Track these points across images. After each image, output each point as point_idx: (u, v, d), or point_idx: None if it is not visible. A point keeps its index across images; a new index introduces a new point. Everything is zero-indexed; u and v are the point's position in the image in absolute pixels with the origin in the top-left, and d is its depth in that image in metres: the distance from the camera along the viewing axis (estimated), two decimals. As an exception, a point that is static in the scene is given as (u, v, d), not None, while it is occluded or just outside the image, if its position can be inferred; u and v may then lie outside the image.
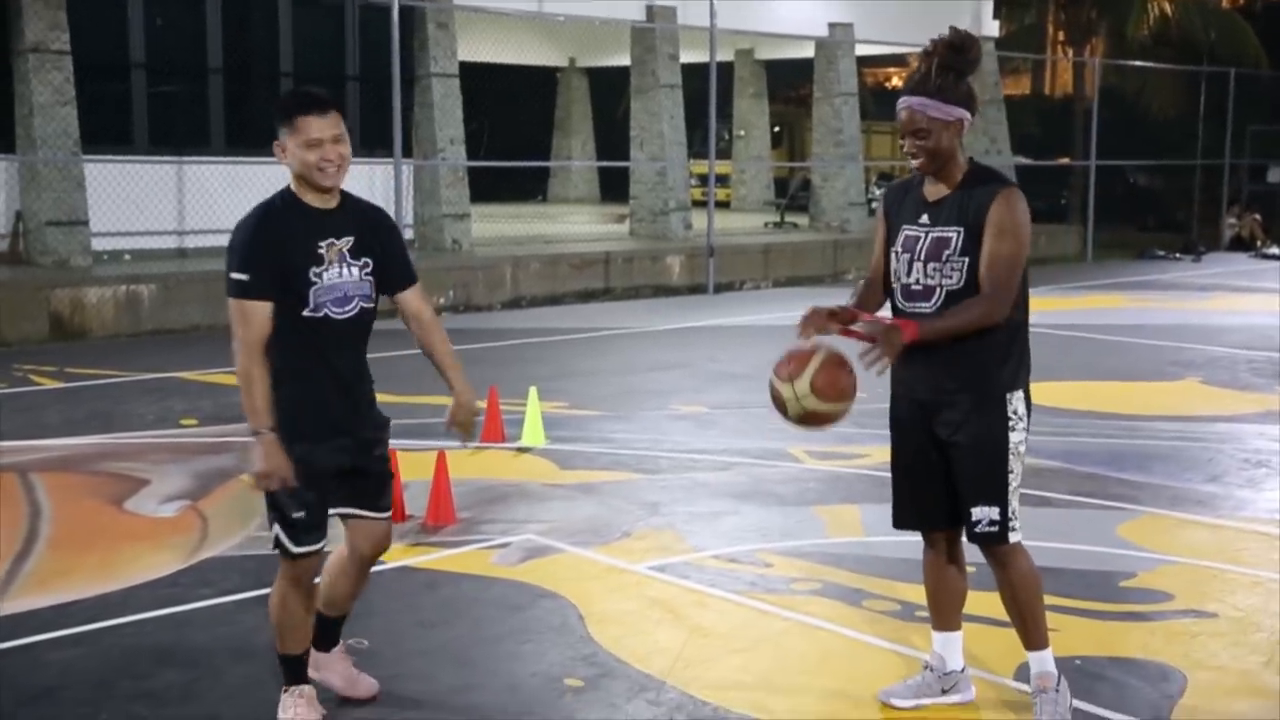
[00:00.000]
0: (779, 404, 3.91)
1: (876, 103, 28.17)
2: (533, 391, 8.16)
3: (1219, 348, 12.37)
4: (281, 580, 4.02)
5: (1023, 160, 24.94)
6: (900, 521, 4.29)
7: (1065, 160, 25.32)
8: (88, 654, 4.74)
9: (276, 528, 3.94)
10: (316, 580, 4.11)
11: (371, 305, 4.00)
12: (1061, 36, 28.45)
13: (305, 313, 3.83)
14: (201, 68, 15.16)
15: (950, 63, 3.90)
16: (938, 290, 3.96)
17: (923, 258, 3.98)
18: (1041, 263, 21.88)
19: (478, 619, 5.10)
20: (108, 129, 14.11)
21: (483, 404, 4.87)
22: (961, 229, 3.92)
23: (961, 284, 3.92)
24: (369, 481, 4.06)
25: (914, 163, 3.99)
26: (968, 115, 3.91)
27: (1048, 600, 5.26)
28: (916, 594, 5.11)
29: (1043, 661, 4.12)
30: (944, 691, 4.27)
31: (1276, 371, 11.03)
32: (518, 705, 4.33)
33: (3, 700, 4.36)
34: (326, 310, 3.87)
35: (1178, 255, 22.98)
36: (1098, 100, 23.84)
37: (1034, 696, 4.09)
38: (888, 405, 4.25)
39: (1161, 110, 27.08)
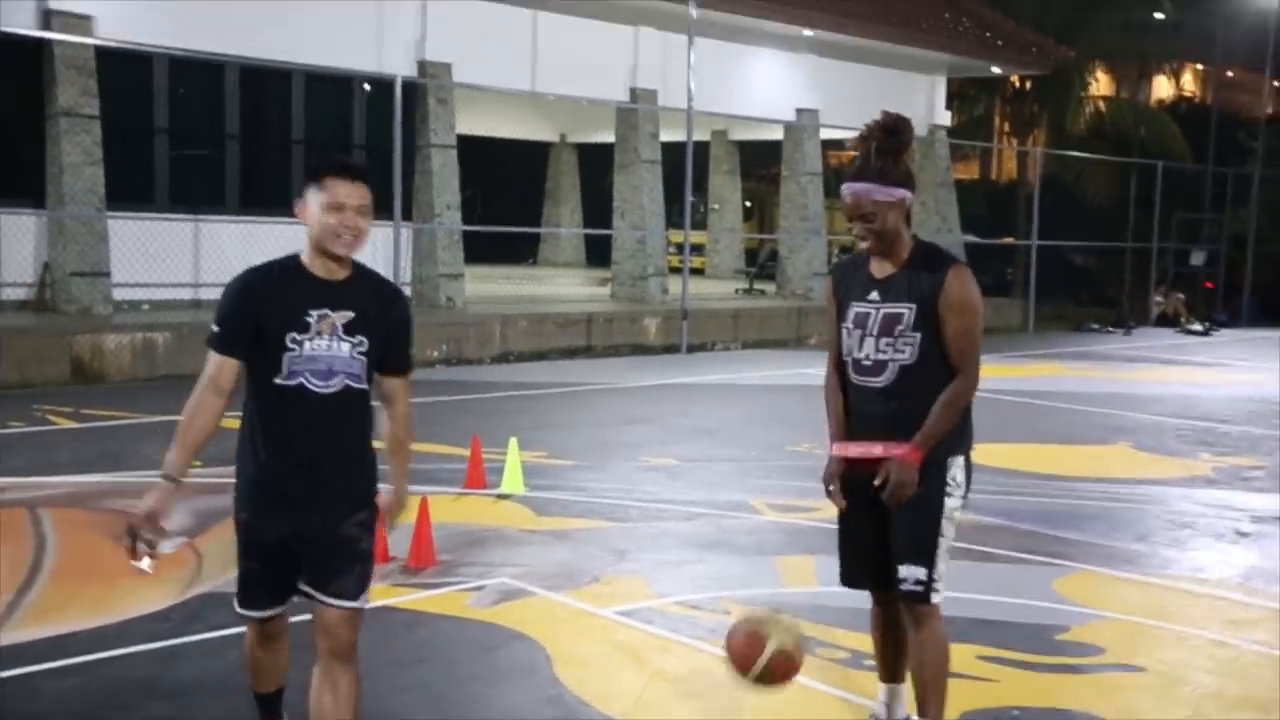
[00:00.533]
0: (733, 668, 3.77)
1: (839, 181, 28.23)
2: (513, 441, 8.04)
3: (1147, 415, 12.32)
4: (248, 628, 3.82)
5: (971, 238, 25.04)
6: (850, 580, 4.13)
7: (1010, 239, 25.44)
8: (80, 685, 4.57)
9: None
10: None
11: (361, 386, 3.55)
12: (1007, 128, 28.64)
13: (278, 380, 3.46)
14: (219, 134, 15.11)
15: (886, 146, 3.79)
16: (889, 365, 3.83)
17: (875, 333, 3.85)
18: (987, 333, 21.65)
19: (451, 659, 4.94)
20: (131, 188, 14.01)
21: (409, 516, 4.68)
22: (914, 305, 3.80)
23: (914, 359, 3.81)
24: (327, 560, 3.54)
25: (863, 244, 3.87)
26: (909, 194, 3.82)
27: (990, 652, 5.22)
28: (864, 643, 4.98)
29: None
30: None
31: (1200, 439, 10.98)
32: (485, 744, 4.19)
33: (-7, 728, 4.21)
34: (303, 380, 3.46)
35: (1110, 329, 23.03)
36: (1039, 186, 23.99)
37: None
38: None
39: (1096, 196, 27.32)
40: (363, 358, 3.52)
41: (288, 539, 3.54)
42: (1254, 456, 10.19)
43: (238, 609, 3.70)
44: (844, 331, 3.95)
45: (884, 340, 3.83)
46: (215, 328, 3.50)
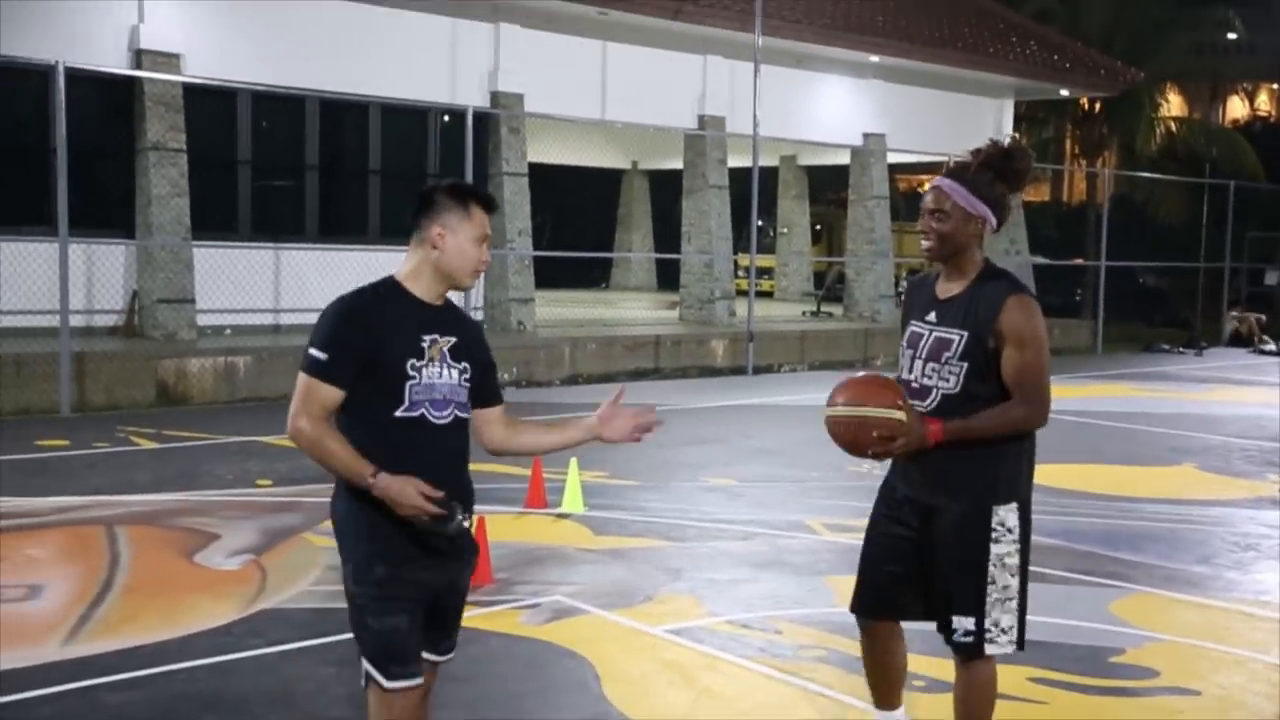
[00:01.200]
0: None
1: (906, 205, 28.10)
2: (573, 462, 8.02)
3: (1216, 436, 12.04)
4: None
5: (1040, 260, 24.76)
6: (860, 609, 3.89)
7: (1079, 260, 25.06)
8: (142, 698, 4.62)
9: (364, 661, 3.14)
10: None
11: (466, 416, 3.27)
12: (1076, 149, 28.25)
13: (399, 413, 3.11)
14: (299, 165, 15.34)
15: (994, 164, 3.63)
16: (934, 392, 3.63)
17: (924, 356, 3.68)
18: (1055, 354, 21.53)
19: (502, 675, 4.93)
20: (215, 218, 14.27)
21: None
22: (966, 333, 3.59)
23: (958, 389, 3.60)
24: (452, 616, 3.33)
25: (924, 244, 3.67)
26: (991, 217, 3.62)
27: (1041, 674, 5.10)
28: (913, 663, 4.90)
29: None
30: None
31: (1268, 459, 10.71)
32: (529, 761, 4.16)
33: (58, 740, 4.26)
34: (424, 410, 3.14)
35: (1181, 350, 22.56)
36: (1109, 207, 23.61)
37: None
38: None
39: (1167, 217, 26.86)
40: (467, 385, 3.26)
41: (442, 592, 3.26)
42: (1322, 477, 9.92)
43: (386, 684, 3.13)
44: (900, 350, 3.81)
45: (930, 365, 3.65)
46: (321, 354, 3.08)
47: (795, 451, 10.40)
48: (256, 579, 6.21)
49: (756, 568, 6.67)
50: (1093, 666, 5.23)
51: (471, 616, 5.59)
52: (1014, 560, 3.66)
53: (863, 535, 3.95)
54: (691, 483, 8.99)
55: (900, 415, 3.53)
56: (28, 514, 7.45)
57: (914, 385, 3.71)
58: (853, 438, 3.59)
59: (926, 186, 3.71)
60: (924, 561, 3.72)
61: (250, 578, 6.23)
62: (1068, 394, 15.29)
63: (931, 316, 3.70)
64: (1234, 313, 24.43)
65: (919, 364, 3.69)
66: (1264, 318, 24.22)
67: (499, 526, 7.13)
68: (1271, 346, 22.82)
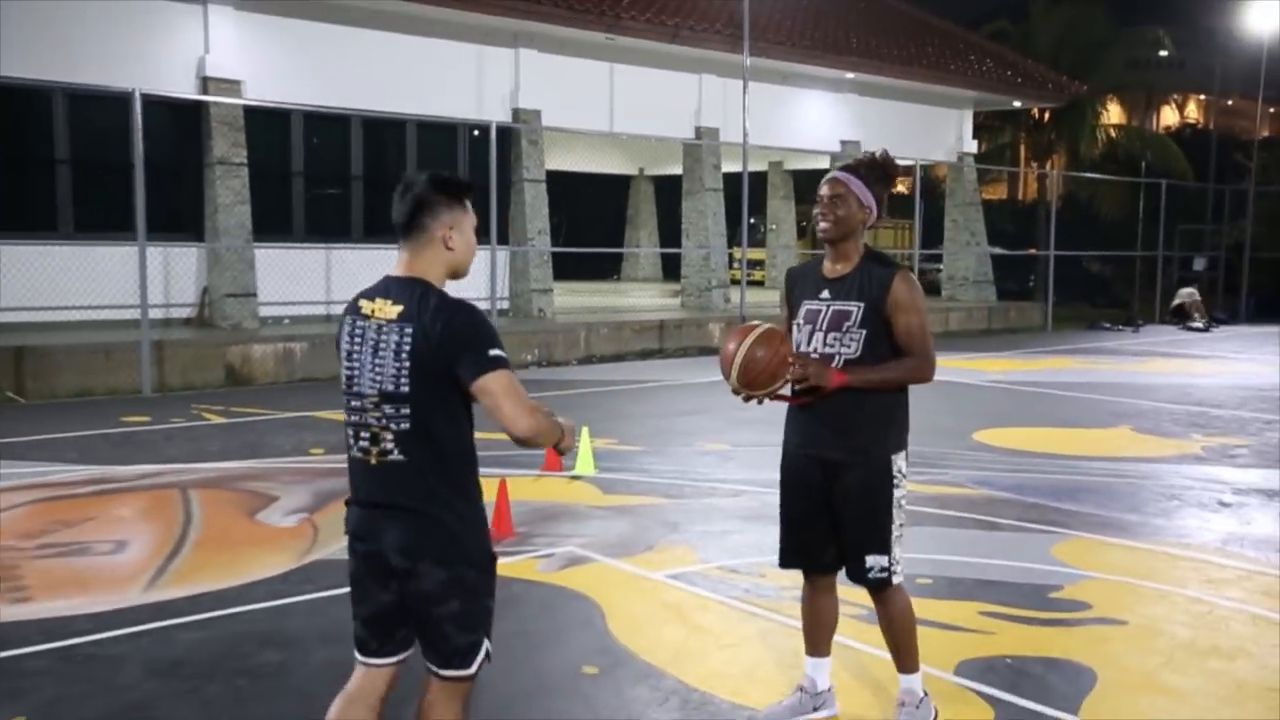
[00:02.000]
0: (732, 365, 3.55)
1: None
2: (585, 430, 8.02)
3: (1148, 402, 12.00)
4: None
5: (998, 250, 24.67)
6: (787, 563, 3.87)
7: (1032, 251, 24.96)
8: (208, 636, 4.66)
9: (488, 641, 2.90)
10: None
11: None
12: (1028, 153, 28.12)
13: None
14: (346, 175, 15.34)
15: (874, 166, 3.68)
16: (836, 358, 3.60)
17: (824, 328, 3.63)
18: (1011, 332, 21.55)
19: (521, 615, 4.95)
20: (273, 222, 14.30)
21: None
22: (863, 304, 3.57)
23: (858, 353, 3.58)
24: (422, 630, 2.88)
25: (822, 225, 3.64)
26: (874, 211, 3.64)
27: (990, 608, 5.12)
28: (856, 595, 4.92)
29: (911, 682, 3.77)
30: (815, 709, 3.89)
31: (1193, 422, 10.68)
32: (544, 688, 4.18)
33: (137, 668, 4.30)
34: None
35: (1120, 327, 22.47)
36: (1057, 204, 23.50)
37: (898, 709, 3.78)
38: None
39: (1109, 212, 26.77)
40: None
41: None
42: (1240, 437, 9.88)
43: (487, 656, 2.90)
44: (794, 328, 3.74)
45: (832, 334, 3.61)
46: (504, 351, 2.77)
47: (780, 421, 10.35)
48: (309, 534, 6.25)
49: (744, 521, 6.68)
50: (1035, 601, 5.24)
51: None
52: (904, 502, 3.70)
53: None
54: (689, 448, 9.00)
55: (766, 326, 3.56)
56: (115, 479, 7.51)
57: (814, 355, 3.65)
58: (762, 371, 3.50)
59: (824, 179, 3.69)
60: (833, 511, 3.69)
61: (304, 533, 6.27)
62: (1022, 366, 15.30)
63: (825, 294, 3.66)
64: (1185, 289, 24.05)
65: (819, 335, 3.65)
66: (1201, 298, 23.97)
67: (519, 487, 7.16)
68: (1198, 324, 22.72)
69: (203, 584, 5.33)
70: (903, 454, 3.70)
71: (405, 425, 2.75)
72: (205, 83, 13.63)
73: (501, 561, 5.63)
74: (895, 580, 3.69)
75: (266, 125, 14.36)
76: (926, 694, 3.81)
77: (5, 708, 3.93)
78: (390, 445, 2.77)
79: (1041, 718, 3.98)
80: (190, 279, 13.83)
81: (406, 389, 2.74)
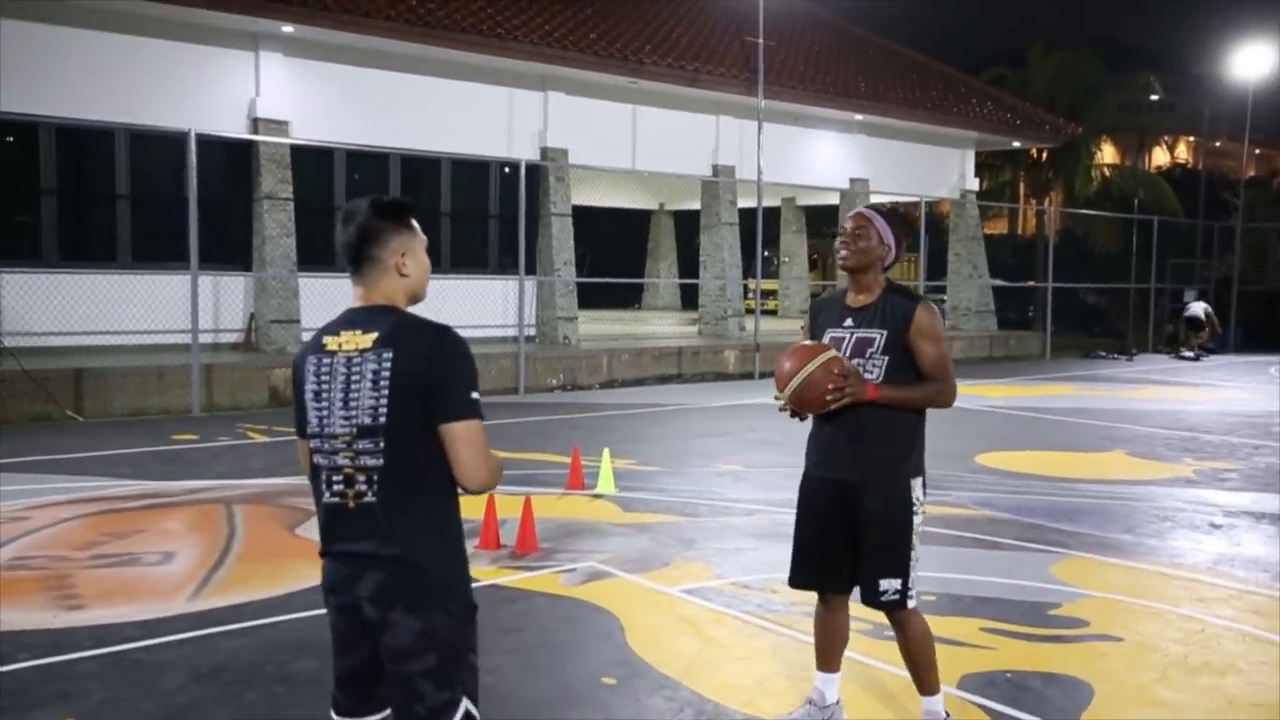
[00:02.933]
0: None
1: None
2: (606, 451, 8.00)
3: (1141, 427, 11.88)
4: None
5: (999, 282, 24.56)
6: (799, 583, 3.76)
7: (1031, 283, 24.81)
8: (248, 644, 4.64)
9: (468, 702, 2.53)
10: None
11: None
12: (1027, 191, 28.02)
13: None
14: (385, 209, 15.37)
15: (894, 213, 3.66)
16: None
17: (848, 354, 3.55)
18: (1011, 359, 21.40)
19: (543, 627, 4.91)
20: (317, 253, 14.33)
21: None
22: (885, 331, 3.52)
23: (880, 379, 3.52)
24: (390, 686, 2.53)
25: (842, 254, 3.59)
26: (893, 251, 3.60)
27: (991, 624, 5.04)
28: (862, 611, 4.85)
29: (932, 703, 3.69)
30: None
31: (1185, 446, 10.55)
32: (564, 697, 4.14)
33: (180, 673, 4.28)
34: None
35: (1115, 356, 22.31)
36: (1054, 238, 23.39)
37: None
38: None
39: (1104, 246, 26.59)
40: None
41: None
42: (1230, 461, 9.75)
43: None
44: None
45: (855, 361, 3.54)
46: (479, 396, 2.47)
47: (792, 442, 10.26)
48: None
49: (757, 539, 6.62)
50: (1034, 618, 5.16)
51: (520, 579, 5.64)
52: (922, 528, 3.61)
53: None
54: (705, 469, 8.94)
55: (833, 352, 3.48)
56: (164, 494, 7.52)
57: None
58: (816, 395, 3.45)
59: (848, 214, 3.68)
60: (850, 535, 3.61)
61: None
62: (1022, 393, 15.17)
63: (849, 322, 3.62)
64: (1199, 303, 23.48)
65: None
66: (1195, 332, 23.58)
67: (544, 505, 7.13)
68: (1188, 353, 22.52)
69: (244, 594, 5.31)
70: (920, 480, 3.62)
71: (380, 460, 2.41)
72: (255, 123, 13.74)
73: (525, 576, 5.66)
74: (910, 604, 3.60)
75: (312, 163, 14.45)
76: (949, 715, 3.73)
77: (56, 709, 3.92)
78: (364, 487, 2.44)
79: (1040, 731, 3.91)
80: (238, 306, 13.90)
81: (384, 419, 2.40)
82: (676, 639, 4.80)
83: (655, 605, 5.29)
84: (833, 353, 3.50)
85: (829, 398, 3.44)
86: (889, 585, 3.56)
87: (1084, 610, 5.31)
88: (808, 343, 3.60)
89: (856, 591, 3.75)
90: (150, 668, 4.35)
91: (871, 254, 3.60)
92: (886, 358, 3.54)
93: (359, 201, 2.55)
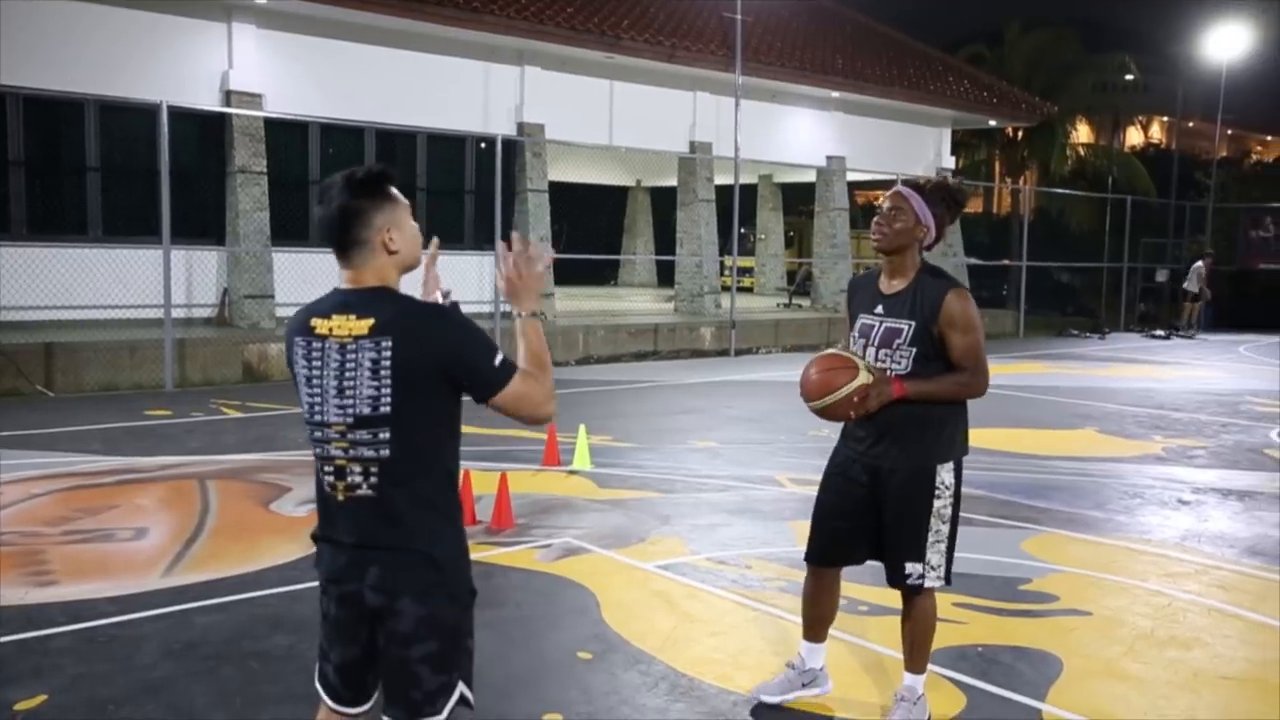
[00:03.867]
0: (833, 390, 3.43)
1: (863, 216, 27.96)
2: (581, 427, 8.02)
3: (1112, 405, 12.00)
4: None
5: (973, 260, 24.60)
6: (817, 558, 3.76)
7: (1005, 261, 24.90)
8: (223, 619, 4.63)
9: (463, 685, 2.48)
10: None
11: None
12: (1003, 170, 28.11)
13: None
14: (360, 184, 15.24)
15: (940, 189, 3.57)
16: (888, 373, 3.52)
17: (876, 344, 3.54)
18: (986, 338, 21.47)
19: (519, 602, 4.93)
20: (290, 228, 14.21)
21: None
22: (913, 322, 3.47)
23: (908, 369, 3.49)
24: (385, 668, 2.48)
25: (876, 236, 3.52)
26: (933, 229, 3.53)
27: (963, 599, 5.09)
28: (861, 593, 4.91)
29: (915, 681, 3.71)
30: (804, 685, 3.85)
31: (1154, 424, 10.67)
32: (540, 672, 4.16)
33: (154, 649, 4.27)
34: None
35: (1088, 334, 22.49)
36: (1029, 217, 23.50)
37: (896, 702, 3.70)
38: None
39: (1078, 226, 26.74)
40: None
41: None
42: (1198, 439, 9.88)
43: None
44: (852, 339, 3.68)
45: (883, 350, 3.51)
46: (500, 350, 2.42)
47: (767, 419, 10.39)
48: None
49: (732, 514, 6.66)
50: (1005, 593, 5.22)
51: (496, 554, 5.65)
52: (948, 511, 3.58)
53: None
54: (681, 445, 8.97)
55: (865, 378, 3.44)
56: (137, 470, 7.47)
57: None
58: (840, 414, 3.49)
59: (885, 194, 3.59)
60: (873, 513, 3.61)
61: (315, 522, 6.22)
62: (995, 371, 15.17)
63: (879, 309, 3.57)
64: (1196, 263, 23.49)
65: (872, 350, 3.56)
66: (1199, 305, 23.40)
67: (519, 481, 7.14)
68: (1159, 331, 22.73)
69: (218, 570, 5.30)
70: (949, 465, 3.58)
71: (385, 451, 2.35)
72: (228, 96, 13.57)
73: (501, 551, 5.67)
74: (927, 585, 3.60)
75: (285, 136, 14.30)
76: (924, 695, 3.76)
77: (30, 685, 3.91)
78: (359, 479, 2.37)
79: (1010, 704, 3.96)
80: (211, 281, 13.77)
81: (388, 409, 2.33)
82: (652, 614, 4.82)
83: (631, 580, 5.32)
84: (860, 381, 3.42)
85: (853, 414, 3.47)
86: (913, 569, 3.56)
87: (1054, 585, 5.37)
88: (838, 353, 3.55)
89: (851, 570, 3.79)
90: (124, 643, 4.34)
91: (907, 235, 3.51)
92: (914, 349, 3.50)
93: (335, 179, 2.41)
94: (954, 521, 3.62)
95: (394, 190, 2.44)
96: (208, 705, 3.79)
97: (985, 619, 4.85)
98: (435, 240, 2.78)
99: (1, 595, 4.86)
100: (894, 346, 3.50)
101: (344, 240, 2.39)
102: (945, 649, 4.43)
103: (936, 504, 3.54)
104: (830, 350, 3.61)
